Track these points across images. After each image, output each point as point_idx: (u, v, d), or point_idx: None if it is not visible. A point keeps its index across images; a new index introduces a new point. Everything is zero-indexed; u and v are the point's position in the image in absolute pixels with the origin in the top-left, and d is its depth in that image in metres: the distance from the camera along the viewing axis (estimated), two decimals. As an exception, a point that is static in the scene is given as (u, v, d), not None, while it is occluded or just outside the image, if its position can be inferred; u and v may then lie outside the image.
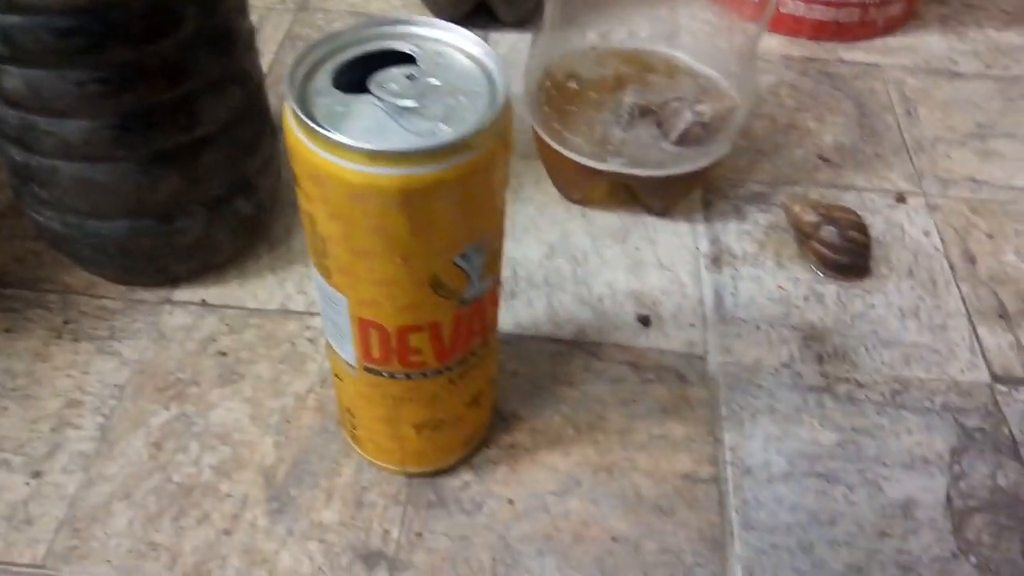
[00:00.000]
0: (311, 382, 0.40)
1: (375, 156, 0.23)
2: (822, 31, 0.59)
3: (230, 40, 0.38)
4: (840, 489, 0.37)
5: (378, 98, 0.25)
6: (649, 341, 0.42)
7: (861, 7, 0.58)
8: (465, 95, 0.25)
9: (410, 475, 0.36)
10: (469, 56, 0.26)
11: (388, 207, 0.24)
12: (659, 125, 0.44)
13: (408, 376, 0.30)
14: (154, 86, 0.35)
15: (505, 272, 0.45)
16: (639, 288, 0.45)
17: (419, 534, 0.35)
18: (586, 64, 0.48)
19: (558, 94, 0.44)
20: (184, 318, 0.42)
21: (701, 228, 0.48)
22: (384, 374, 0.30)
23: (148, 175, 0.38)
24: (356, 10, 0.61)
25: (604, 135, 0.44)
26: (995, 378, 0.41)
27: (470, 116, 0.24)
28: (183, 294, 0.43)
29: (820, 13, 0.58)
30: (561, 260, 0.46)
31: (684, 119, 0.43)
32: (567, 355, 0.42)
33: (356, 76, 0.26)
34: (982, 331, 0.43)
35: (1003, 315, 0.44)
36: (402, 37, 0.27)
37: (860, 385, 0.41)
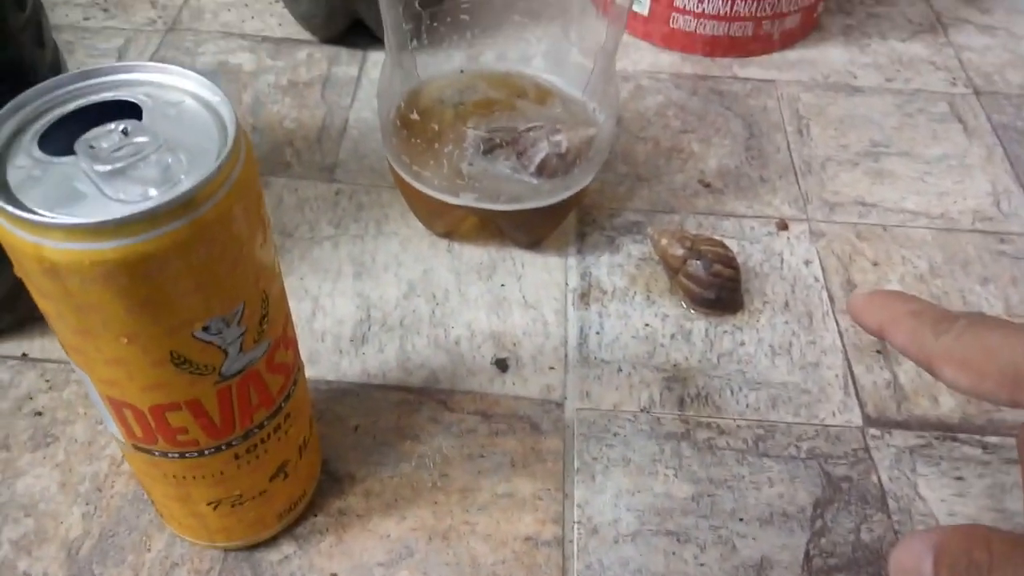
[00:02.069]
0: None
1: (60, 230, 0.20)
2: (716, 47, 0.57)
3: (23, 75, 0.34)
4: (691, 549, 0.34)
5: (83, 160, 0.22)
6: (505, 387, 0.40)
7: (754, 21, 0.56)
8: (187, 152, 0.22)
9: (223, 549, 0.34)
10: (204, 104, 0.24)
11: (91, 286, 0.21)
12: (518, 156, 0.41)
13: (182, 455, 0.27)
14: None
15: (359, 315, 0.42)
16: (500, 329, 0.42)
17: (230, 614, 0.32)
18: (454, 89, 0.45)
19: (403, 125, 0.41)
20: (1, 374, 0.39)
21: (573, 261, 0.45)
22: (156, 453, 0.27)
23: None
24: (229, 30, 0.58)
25: (455, 168, 0.41)
26: (868, 420, 0.39)
27: (187, 178, 0.22)
28: (5, 347, 0.40)
29: (712, 28, 0.56)
30: (420, 299, 0.43)
31: (540, 150, 0.41)
32: (415, 405, 0.39)
33: (75, 134, 0.23)
34: (858, 369, 0.41)
35: (881, 350, 0.42)
36: (132, 85, 0.24)
37: (721, 431, 0.38)
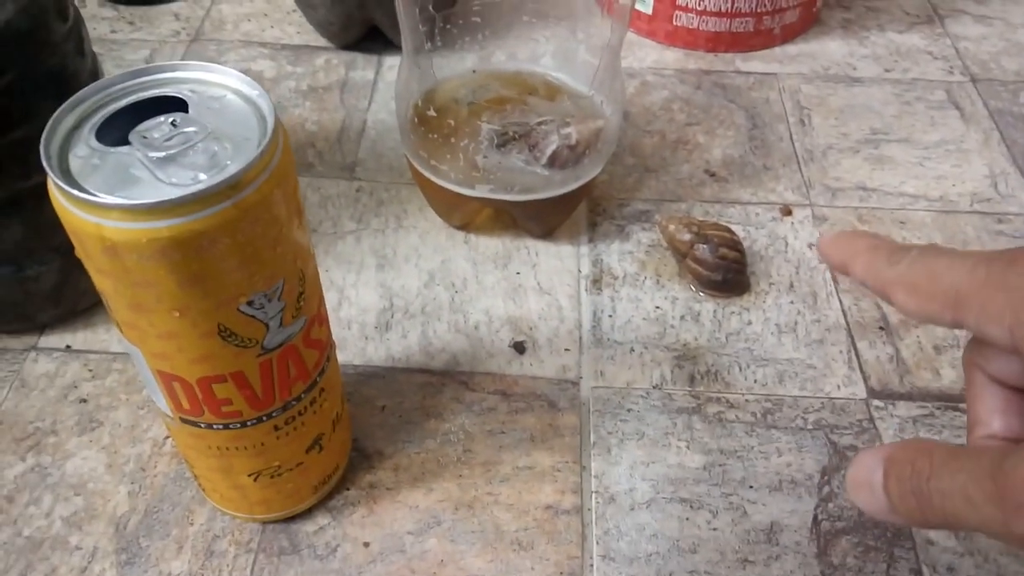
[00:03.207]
0: (164, 423, 0.39)
1: (119, 211, 0.22)
2: (718, 43, 0.59)
3: (65, 82, 0.37)
4: (704, 515, 0.36)
5: (137, 149, 0.24)
6: (523, 368, 0.42)
7: (754, 16, 0.58)
8: (231, 140, 0.24)
9: (262, 521, 0.36)
10: (245, 99, 0.26)
11: (147, 262, 0.23)
12: (530, 149, 0.44)
13: (226, 426, 0.30)
14: (-22, 136, 0.34)
15: (382, 303, 0.44)
16: (517, 314, 0.44)
17: (269, 582, 0.34)
18: (467, 88, 0.47)
19: (420, 123, 0.44)
20: (48, 365, 0.42)
21: (585, 249, 0.47)
22: (201, 425, 0.30)
23: (-12, 225, 0.37)
24: (250, 39, 0.61)
25: (471, 161, 0.43)
26: (872, 393, 0.41)
27: (232, 164, 0.24)
28: (49, 340, 0.43)
29: (713, 24, 0.58)
30: (440, 288, 0.45)
31: (551, 142, 0.43)
32: (438, 386, 0.41)
33: (128, 127, 0.25)
34: (861, 345, 0.42)
35: (884, 327, 0.43)
36: (178, 83, 0.26)
37: (731, 405, 0.40)
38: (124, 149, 0.24)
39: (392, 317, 0.44)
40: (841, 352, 0.42)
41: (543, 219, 0.46)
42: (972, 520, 0.20)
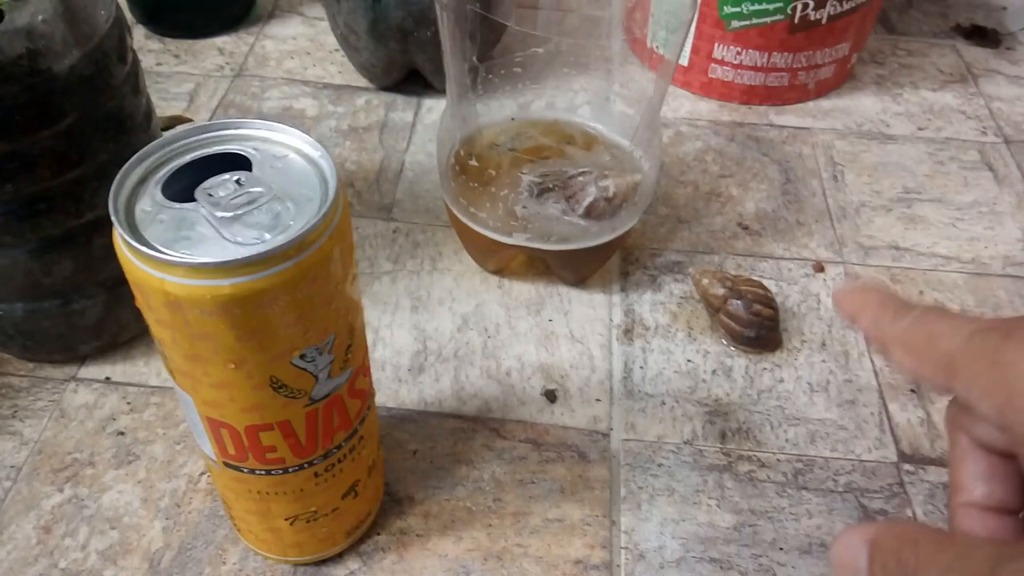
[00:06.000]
0: (204, 463, 0.39)
1: (184, 268, 0.23)
2: (753, 96, 0.60)
3: (121, 123, 0.38)
4: (733, 576, 0.36)
5: (203, 206, 0.25)
6: (554, 417, 0.42)
7: (790, 72, 0.58)
8: (294, 200, 0.25)
9: (294, 564, 0.36)
10: (307, 158, 0.26)
11: (207, 317, 0.24)
12: (568, 199, 0.44)
13: (268, 472, 0.30)
14: (37, 176, 0.35)
15: (416, 346, 0.45)
16: (549, 361, 0.44)
17: (299, 625, 0.34)
18: (506, 135, 0.48)
19: (461, 171, 0.44)
20: (87, 396, 0.42)
21: (616, 299, 0.48)
22: (244, 470, 0.30)
23: (39, 260, 0.38)
24: (292, 77, 0.62)
25: (509, 210, 0.44)
26: (902, 457, 0.41)
27: (296, 224, 0.24)
28: (89, 371, 0.43)
29: (749, 78, 0.59)
30: (473, 332, 0.46)
31: (589, 194, 0.43)
32: (469, 432, 0.41)
33: (192, 182, 0.26)
34: (893, 407, 0.42)
35: (915, 389, 0.43)
36: (242, 140, 0.27)
37: (762, 464, 0.40)
38: (189, 205, 0.25)
39: (425, 360, 0.44)
40: (872, 414, 0.42)
41: (577, 268, 0.47)
42: None
